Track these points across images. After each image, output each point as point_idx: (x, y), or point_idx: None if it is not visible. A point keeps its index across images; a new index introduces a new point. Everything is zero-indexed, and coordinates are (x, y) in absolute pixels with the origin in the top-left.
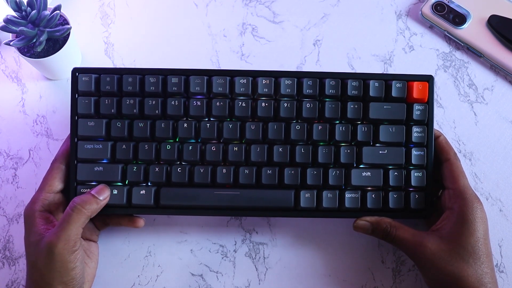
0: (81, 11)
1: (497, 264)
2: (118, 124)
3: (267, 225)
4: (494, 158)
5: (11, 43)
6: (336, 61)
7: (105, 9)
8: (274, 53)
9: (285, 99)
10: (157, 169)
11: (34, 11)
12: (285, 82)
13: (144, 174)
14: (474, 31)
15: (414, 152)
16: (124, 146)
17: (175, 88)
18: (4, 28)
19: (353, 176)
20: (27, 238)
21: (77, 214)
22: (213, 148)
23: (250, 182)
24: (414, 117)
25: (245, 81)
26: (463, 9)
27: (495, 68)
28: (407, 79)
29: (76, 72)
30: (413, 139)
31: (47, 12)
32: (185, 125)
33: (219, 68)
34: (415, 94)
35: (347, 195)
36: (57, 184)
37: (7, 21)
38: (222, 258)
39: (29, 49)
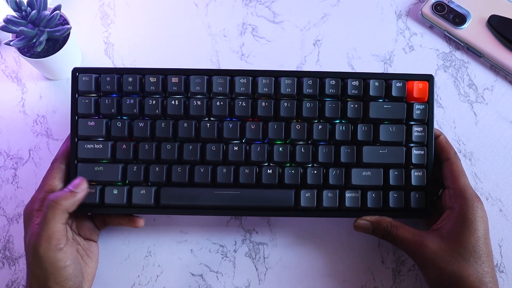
0: (81, 11)
1: (497, 264)
2: (118, 124)
3: (267, 225)
4: (494, 158)
5: (11, 43)
6: (336, 61)
7: (105, 9)
8: (274, 53)
9: (285, 98)
10: (157, 168)
11: (34, 11)
12: (285, 81)
13: (144, 174)
14: (474, 31)
15: (414, 151)
16: (124, 146)
17: (175, 88)
18: (4, 28)
19: (353, 175)
20: (25, 237)
21: (51, 211)
22: (213, 148)
23: (250, 181)
24: (414, 116)
25: (245, 80)
26: (463, 9)
27: (495, 68)
28: (407, 79)
29: (76, 72)
30: (413, 139)
31: (47, 12)
32: (185, 124)
33: (219, 68)
34: (415, 94)
35: (348, 194)
36: (57, 184)
37: (7, 21)
38: (222, 258)
39: (29, 49)
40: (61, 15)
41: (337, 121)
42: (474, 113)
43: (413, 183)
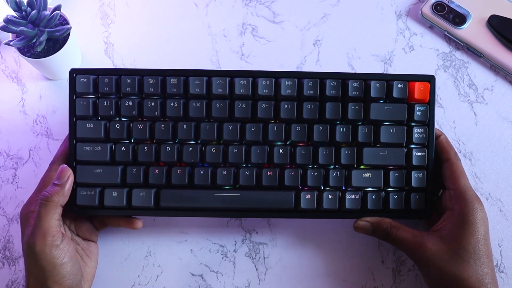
0: (81, 11)
1: (497, 264)
2: (117, 125)
3: (267, 225)
4: (494, 158)
5: (11, 43)
6: (336, 61)
7: (105, 9)
8: (274, 53)
9: (286, 100)
10: (156, 170)
11: (34, 11)
12: (285, 83)
13: (144, 176)
14: (474, 31)
15: (415, 153)
16: (123, 148)
17: (174, 89)
18: (4, 28)
19: (353, 177)
20: (22, 238)
21: (44, 208)
22: (213, 150)
23: (250, 183)
24: (415, 118)
25: (245, 82)
26: (463, 9)
27: (495, 68)
28: (409, 79)
29: (74, 73)
30: (414, 140)
31: (47, 12)
32: (185, 126)
33: (219, 68)
34: (416, 95)
35: (348, 196)
36: None
37: (7, 21)
38: (222, 258)
39: (29, 49)
40: (61, 15)
41: (338, 123)
42: (474, 113)
43: (413, 184)
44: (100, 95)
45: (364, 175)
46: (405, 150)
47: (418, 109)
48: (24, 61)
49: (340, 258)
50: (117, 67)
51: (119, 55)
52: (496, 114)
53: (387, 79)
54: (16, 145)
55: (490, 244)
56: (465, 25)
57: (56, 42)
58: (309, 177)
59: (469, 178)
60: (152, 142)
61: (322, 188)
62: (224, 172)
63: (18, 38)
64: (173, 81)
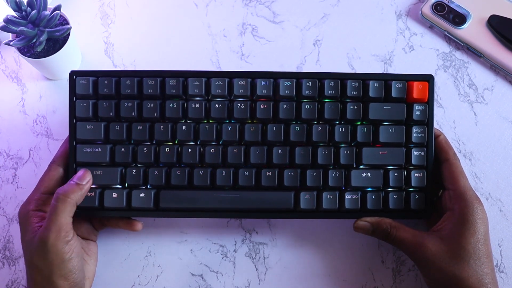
0: (81, 11)
1: (497, 264)
2: (117, 127)
3: (267, 225)
4: (494, 158)
5: (11, 43)
6: (336, 61)
7: (105, 9)
8: (274, 53)
9: (284, 100)
10: (156, 171)
11: (34, 11)
12: (284, 83)
13: (143, 177)
14: (474, 31)
15: (414, 152)
16: (123, 149)
17: (174, 91)
18: (4, 28)
19: (353, 177)
20: (23, 237)
21: (62, 203)
22: (212, 150)
23: (249, 184)
24: (414, 117)
25: (243, 82)
26: (463, 9)
27: (495, 68)
28: (407, 79)
29: (74, 75)
30: (413, 140)
31: (47, 12)
32: (184, 127)
33: (219, 68)
34: (415, 94)
35: (347, 196)
36: (53, 186)
37: (7, 21)
38: (222, 258)
39: (29, 49)
40: (61, 15)
41: (337, 123)
42: (474, 113)
43: (413, 184)
44: (99, 96)
45: (363, 175)
46: (405, 149)
47: (417, 109)
48: (24, 61)
49: (340, 258)
50: (117, 68)
51: (119, 55)
52: (496, 114)
53: (386, 79)
54: (16, 145)
55: (490, 244)
56: (465, 25)
57: (56, 42)
58: (308, 177)
59: (469, 178)
60: (151, 143)
61: (321, 188)
62: (224, 173)
63: (18, 38)
64: (172, 82)
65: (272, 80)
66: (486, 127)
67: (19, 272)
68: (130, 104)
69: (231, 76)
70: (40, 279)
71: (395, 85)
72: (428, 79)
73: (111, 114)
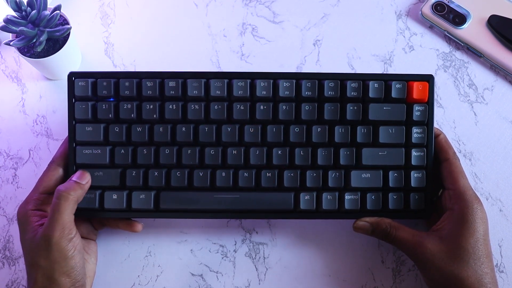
0: (81, 11)
1: (497, 264)
2: (116, 129)
3: (267, 225)
4: (494, 158)
5: (11, 43)
6: (336, 61)
7: (105, 9)
8: (274, 53)
9: (284, 101)
10: (156, 173)
11: (34, 11)
12: (283, 84)
13: (143, 178)
14: (474, 31)
15: (414, 153)
16: (122, 151)
17: (173, 92)
18: (4, 28)
19: (352, 177)
20: (23, 237)
21: (64, 201)
22: (212, 152)
23: (249, 185)
24: (414, 117)
25: (243, 83)
26: (463, 9)
27: (495, 68)
28: (407, 79)
29: (73, 77)
30: (413, 140)
31: (47, 12)
32: (184, 129)
33: (218, 69)
34: (415, 95)
35: (347, 196)
36: (52, 186)
37: (7, 21)
38: (222, 258)
39: (29, 49)
40: (61, 15)
41: (337, 123)
42: (474, 113)
43: (412, 184)
44: (98, 98)
45: (363, 175)
46: (404, 150)
47: (417, 109)
48: (24, 61)
49: (340, 258)
50: (116, 69)
51: (119, 55)
52: (496, 114)
53: (386, 79)
54: (16, 145)
55: (490, 244)
56: (465, 25)
57: (56, 42)
58: (308, 178)
59: (469, 178)
60: (151, 144)
61: (321, 188)
62: (223, 174)
63: (18, 38)
64: (171, 83)
65: (271, 81)
66: (486, 127)
67: (19, 272)
68: (129, 106)
69: (230, 77)
70: (42, 277)
71: (395, 86)
72: (428, 79)
73: (110, 115)
